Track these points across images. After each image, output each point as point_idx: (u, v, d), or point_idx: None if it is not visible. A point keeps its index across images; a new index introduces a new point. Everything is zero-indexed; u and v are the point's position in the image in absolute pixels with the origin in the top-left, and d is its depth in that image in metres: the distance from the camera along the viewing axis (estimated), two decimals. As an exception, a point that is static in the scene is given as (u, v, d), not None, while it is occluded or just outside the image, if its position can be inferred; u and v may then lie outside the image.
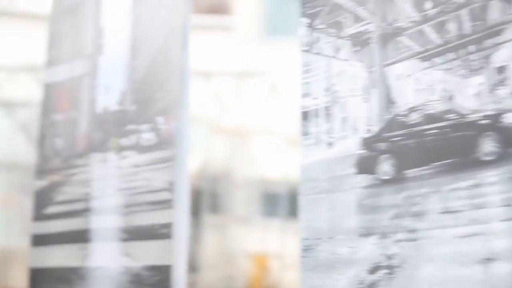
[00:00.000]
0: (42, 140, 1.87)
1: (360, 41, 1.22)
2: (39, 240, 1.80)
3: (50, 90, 1.88)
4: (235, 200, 7.43)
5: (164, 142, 1.52)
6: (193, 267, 6.63)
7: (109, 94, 1.69)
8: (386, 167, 1.14)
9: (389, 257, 1.10)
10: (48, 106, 1.87)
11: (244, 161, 7.37)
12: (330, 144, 1.23)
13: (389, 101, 1.16)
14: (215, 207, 7.13)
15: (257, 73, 8.26)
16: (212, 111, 7.94)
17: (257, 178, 7.33)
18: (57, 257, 1.74)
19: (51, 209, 1.80)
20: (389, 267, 1.10)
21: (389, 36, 1.18)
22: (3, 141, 7.71)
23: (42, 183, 1.83)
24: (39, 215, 1.82)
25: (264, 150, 7.36)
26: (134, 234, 1.54)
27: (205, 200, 6.59)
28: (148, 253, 1.49)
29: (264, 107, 7.65)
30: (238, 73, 9.09)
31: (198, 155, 6.78)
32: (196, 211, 6.67)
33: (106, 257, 1.60)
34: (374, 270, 1.12)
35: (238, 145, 7.50)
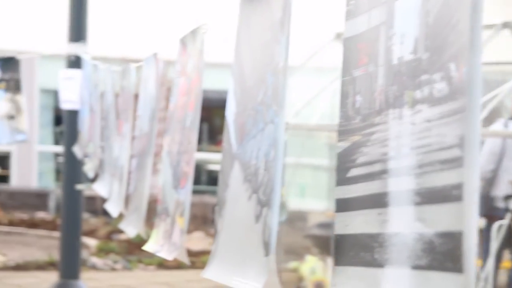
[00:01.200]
0: (344, 99, 1.75)
1: None
2: (342, 206, 1.69)
3: (350, 44, 1.75)
4: None
5: (456, 91, 1.32)
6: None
7: (403, 43, 1.53)
8: None
9: None
10: (348, 61, 1.75)
11: None
12: None
13: None
14: None
15: None
16: None
17: None
18: (359, 223, 1.62)
19: (353, 172, 1.67)
20: None
21: None
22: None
23: (344, 144, 1.71)
24: (342, 179, 1.71)
25: None
26: (426, 197, 1.37)
27: None
28: (440, 218, 1.32)
29: None
30: None
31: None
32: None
33: (402, 223, 1.44)
34: None
35: None
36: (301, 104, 7.89)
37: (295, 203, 9.53)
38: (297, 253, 8.96)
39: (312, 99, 7.93)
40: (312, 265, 8.47)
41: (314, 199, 10.45)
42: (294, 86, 8.42)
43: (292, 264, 8.73)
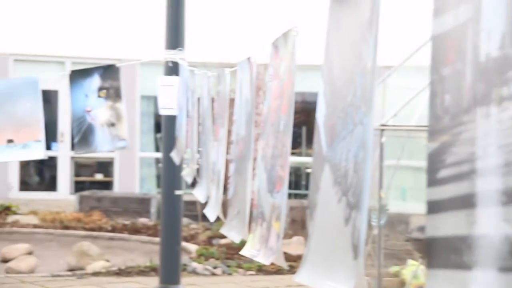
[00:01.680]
0: (433, 98, 1.71)
1: None
2: (433, 207, 1.66)
3: (438, 42, 1.71)
4: None
5: (544, 87, 1.28)
6: None
7: (490, 39, 1.49)
8: None
9: None
10: (437, 60, 1.71)
11: None
12: None
13: None
14: None
15: None
16: None
17: None
18: (448, 225, 1.58)
19: (443, 173, 1.63)
20: None
21: None
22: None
23: (434, 144, 1.68)
24: (432, 180, 1.67)
25: None
26: (512, 197, 1.32)
27: None
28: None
29: None
30: None
31: None
32: None
33: (489, 224, 1.40)
34: None
35: None
36: (400, 105, 7.79)
37: (396, 206, 9.41)
38: (399, 257, 8.85)
39: (411, 100, 7.81)
40: (414, 269, 8.35)
41: (415, 201, 10.30)
42: (393, 87, 8.32)
43: (394, 269, 8.62)
